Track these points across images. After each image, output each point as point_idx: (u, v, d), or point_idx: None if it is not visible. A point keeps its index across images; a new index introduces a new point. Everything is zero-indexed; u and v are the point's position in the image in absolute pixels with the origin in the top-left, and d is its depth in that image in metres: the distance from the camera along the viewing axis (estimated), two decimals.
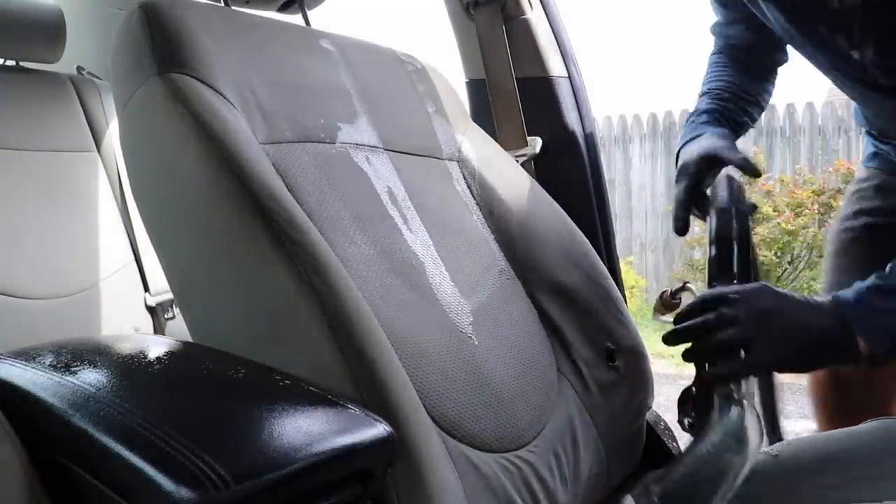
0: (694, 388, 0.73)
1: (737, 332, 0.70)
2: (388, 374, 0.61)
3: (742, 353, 0.70)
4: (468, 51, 1.28)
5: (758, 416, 0.71)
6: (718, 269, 0.83)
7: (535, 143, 1.22)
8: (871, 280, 0.72)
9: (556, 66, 1.23)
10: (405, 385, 0.63)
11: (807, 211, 4.26)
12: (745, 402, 0.71)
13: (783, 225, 4.22)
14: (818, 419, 1.22)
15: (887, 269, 0.72)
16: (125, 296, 1.57)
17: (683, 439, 1.00)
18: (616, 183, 5.13)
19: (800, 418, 1.25)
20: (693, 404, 0.73)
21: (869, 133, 1.12)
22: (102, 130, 1.62)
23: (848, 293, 0.71)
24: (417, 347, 0.70)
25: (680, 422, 0.75)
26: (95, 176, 1.59)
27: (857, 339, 0.69)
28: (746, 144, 4.60)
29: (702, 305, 0.74)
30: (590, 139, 1.25)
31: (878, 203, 1.10)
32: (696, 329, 0.73)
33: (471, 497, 0.66)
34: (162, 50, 0.68)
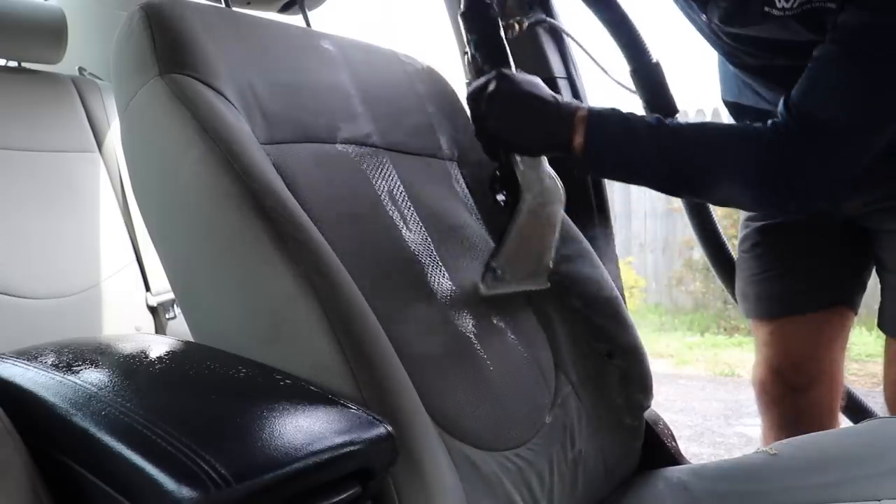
0: (498, 172, 0.84)
1: (479, 109, 0.82)
2: (388, 373, 0.61)
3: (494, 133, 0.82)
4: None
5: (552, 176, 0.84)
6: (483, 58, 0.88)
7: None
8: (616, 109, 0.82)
9: (556, 67, 1.24)
10: (405, 385, 0.63)
11: None
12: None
13: None
14: (765, 427, 1.24)
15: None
16: (126, 296, 1.57)
17: (682, 439, 1.00)
18: (615, 183, 5.12)
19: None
20: (501, 184, 0.84)
21: None
22: (104, 131, 1.62)
23: (598, 107, 0.83)
24: (417, 347, 0.70)
25: (494, 200, 0.85)
26: (97, 176, 1.59)
27: (573, 134, 0.80)
28: None
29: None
30: None
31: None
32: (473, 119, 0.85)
33: (470, 496, 0.66)
34: (163, 51, 0.68)
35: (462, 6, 0.87)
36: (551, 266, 0.87)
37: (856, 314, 1.18)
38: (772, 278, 1.16)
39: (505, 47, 0.86)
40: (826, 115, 0.77)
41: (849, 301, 1.16)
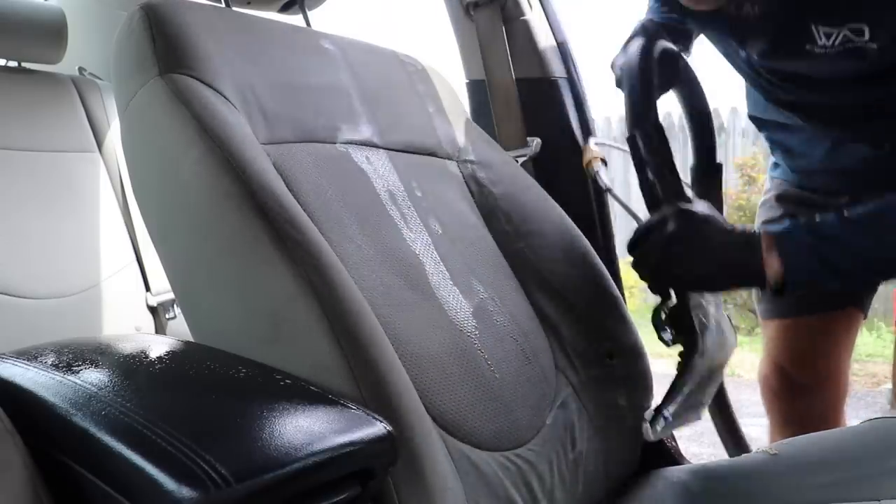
0: (667, 311, 0.81)
1: (657, 250, 0.78)
2: (388, 373, 0.61)
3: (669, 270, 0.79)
4: (468, 51, 1.28)
5: (729, 320, 0.83)
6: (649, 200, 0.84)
7: (535, 144, 1.22)
8: (802, 220, 0.78)
9: (556, 67, 1.24)
10: (405, 384, 0.63)
11: None
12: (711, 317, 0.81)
13: None
14: (771, 425, 1.25)
15: (818, 217, 0.77)
16: (126, 296, 1.57)
17: (682, 439, 1.00)
18: (616, 183, 5.12)
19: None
20: (667, 321, 0.81)
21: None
22: (104, 131, 1.62)
23: (776, 225, 0.78)
24: (417, 347, 0.70)
25: (660, 338, 0.82)
26: (97, 176, 1.59)
27: (764, 263, 0.75)
28: (746, 145, 4.61)
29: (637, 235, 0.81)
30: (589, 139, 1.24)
31: (779, 212, 1.15)
32: (636, 258, 0.81)
33: (470, 496, 0.66)
34: (163, 51, 0.68)
35: (637, 123, 0.81)
36: (709, 401, 0.85)
37: (865, 316, 1.18)
38: None
39: (679, 175, 0.82)
40: None
41: (858, 303, 1.16)
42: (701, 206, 0.80)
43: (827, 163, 1.05)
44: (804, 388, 1.17)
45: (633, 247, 0.80)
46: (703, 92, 0.94)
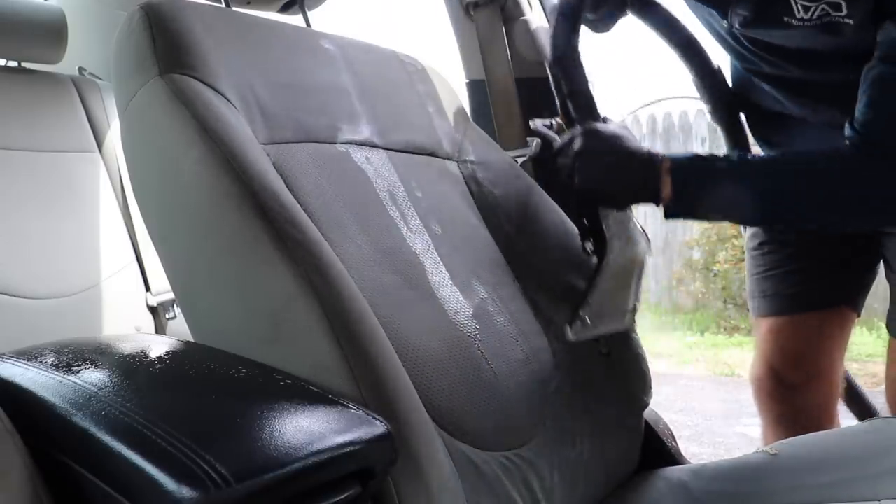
0: (586, 222, 0.87)
1: (567, 166, 0.84)
2: (388, 373, 0.61)
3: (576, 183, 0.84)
4: (468, 51, 1.28)
5: (641, 229, 0.88)
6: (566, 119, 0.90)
7: (535, 144, 1.22)
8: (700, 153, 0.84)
9: None
10: (405, 384, 0.63)
11: None
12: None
13: None
14: (764, 424, 1.25)
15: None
16: (126, 296, 1.57)
17: (682, 439, 1.00)
18: None
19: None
20: (589, 236, 0.87)
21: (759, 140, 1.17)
22: (104, 131, 1.62)
23: (679, 154, 0.84)
24: (417, 347, 0.70)
25: (583, 248, 0.88)
26: (97, 176, 1.59)
27: (661, 183, 0.81)
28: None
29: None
30: None
31: None
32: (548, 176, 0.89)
33: (470, 496, 0.66)
34: (163, 51, 0.68)
35: (554, 54, 0.87)
36: (637, 307, 0.90)
37: (858, 315, 1.18)
38: (775, 276, 1.17)
39: (594, 99, 0.87)
40: (892, 138, 0.78)
41: (851, 302, 1.16)
42: (613, 126, 0.85)
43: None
44: (795, 388, 1.17)
45: (542, 164, 0.87)
46: (667, 12, 1.00)
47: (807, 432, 1.13)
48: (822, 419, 1.17)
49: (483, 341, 0.78)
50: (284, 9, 1.03)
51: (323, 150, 0.78)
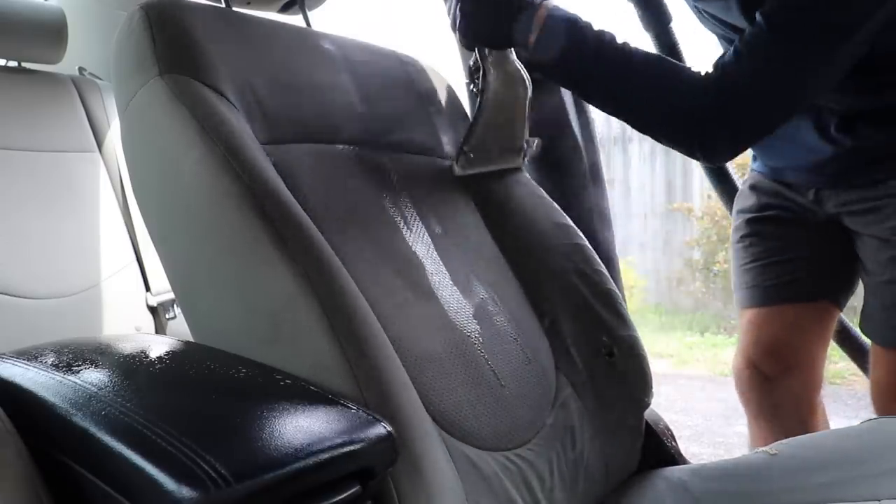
0: (471, 64, 0.93)
1: (461, 19, 0.87)
2: (388, 373, 0.61)
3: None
4: (468, 51, 1.28)
5: (521, 71, 0.92)
6: None
7: (535, 143, 1.22)
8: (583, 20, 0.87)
9: None
10: (405, 384, 0.63)
11: None
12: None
13: None
14: (748, 417, 1.26)
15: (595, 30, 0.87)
16: (126, 296, 1.57)
17: (683, 439, 1.00)
18: (615, 183, 5.13)
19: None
20: (474, 75, 0.93)
21: None
22: (104, 131, 1.62)
23: (558, 8, 0.87)
24: (417, 347, 0.70)
25: (469, 90, 0.96)
26: (97, 176, 1.59)
27: (533, 28, 0.84)
28: None
29: None
30: (589, 139, 1.25)
31: (752, 200, 1.19)
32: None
33: (471, 496, 0.66)
34: (163, 51, 0.68)
35: None
36: (525, 147, 0.96)
37: (840, 311, 1.19)
38: (755, 268, 1.18)
39: None
40: (746, 82, 0.83)
41: (831, 297, 1.17)
42: None
43: (798, 160, 1.09)
44: (773, 379, 1.18)
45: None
46: None
47: (788, 425, 1.15)
48: (802, 411, 1.18)
49: (483, 341, 0.78)
50: (284, 9, 1.03)
51: (323, 150, 0.78)
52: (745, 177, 1.24)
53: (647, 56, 0.87)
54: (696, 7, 1.02)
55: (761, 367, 1.19)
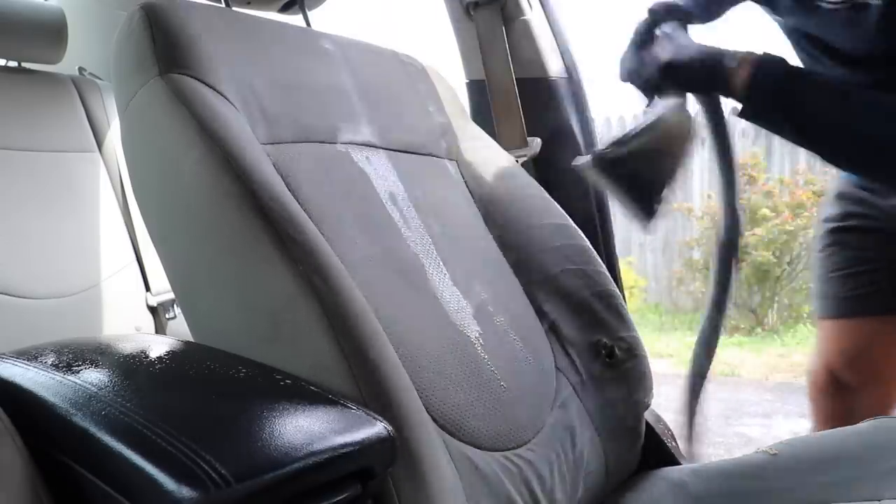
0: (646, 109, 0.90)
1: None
2: (388, 373, 0.61)
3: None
4: (468, 51, 1.28)
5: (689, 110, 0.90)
6: None
7: (535, 144, 1.22)
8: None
9: (555, 67, 1.24)
10: (405, 384, 0.63)
11: (806, 213, 4.26)
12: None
13: (781, 226, 4.23)
14: (816, 423, 1.24)
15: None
16: (126, 295, 1.57)
17: (683, 439, 1.00)
18: None
19: (799, 417, 1.27)
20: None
21: None
22: (104, 131, 1.62)
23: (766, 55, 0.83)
24: (418, 347, 0.70)
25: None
26: (97, 176, 1.59)
27: (738, 72, 0.82)
28: (745, 146, 4.61)
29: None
30: (589, 139, 1.25)
31: (837, 209, 1.17)
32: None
33: (471, 496, 0.66)
34: (163, 51, 0.68)
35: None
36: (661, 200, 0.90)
37: None
38: (838, 278, 1.16)
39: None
40: None
41: None
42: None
43: None
44: (851, 389, 1.16)
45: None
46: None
47: None
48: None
49: (484, 341, 0.78)
50: (284, 9, 1.03)
51: (323, 151, 0.78)
52: (832, 185, 1.22)
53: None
54: (792, 30, 0.97)
55: (839, 375, 1.17)
